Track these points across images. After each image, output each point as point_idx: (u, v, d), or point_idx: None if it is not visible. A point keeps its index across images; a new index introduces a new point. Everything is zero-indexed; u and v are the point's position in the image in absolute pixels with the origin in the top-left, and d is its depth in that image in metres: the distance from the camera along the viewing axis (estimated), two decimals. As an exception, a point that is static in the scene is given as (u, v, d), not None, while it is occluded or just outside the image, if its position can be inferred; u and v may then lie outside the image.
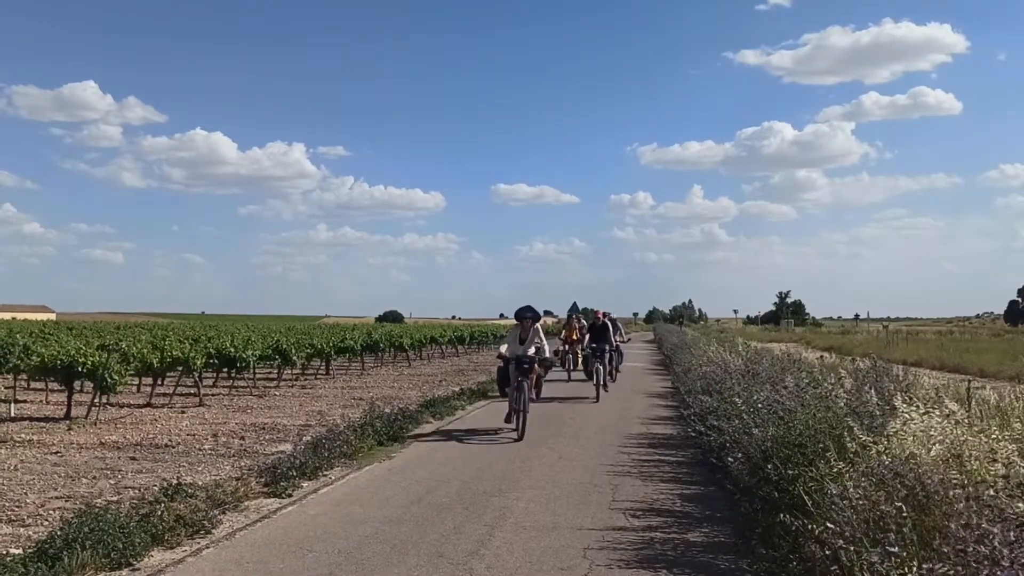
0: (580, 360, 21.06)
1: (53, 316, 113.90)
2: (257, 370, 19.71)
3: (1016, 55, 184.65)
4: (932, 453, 5.23)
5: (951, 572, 3.69)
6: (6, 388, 14.94)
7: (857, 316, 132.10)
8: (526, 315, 12.64)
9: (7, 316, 66.93)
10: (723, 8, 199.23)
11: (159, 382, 16.68)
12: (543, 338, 12.69)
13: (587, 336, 18.82)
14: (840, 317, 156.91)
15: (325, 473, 8.82)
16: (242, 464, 9.28)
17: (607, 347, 18.24)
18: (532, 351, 12.36)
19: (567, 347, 22.19)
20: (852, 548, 4.27)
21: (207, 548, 6.07)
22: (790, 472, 6.21)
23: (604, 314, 19.00)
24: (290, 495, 7.82)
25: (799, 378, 9.57)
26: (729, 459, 7.75)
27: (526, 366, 12.12)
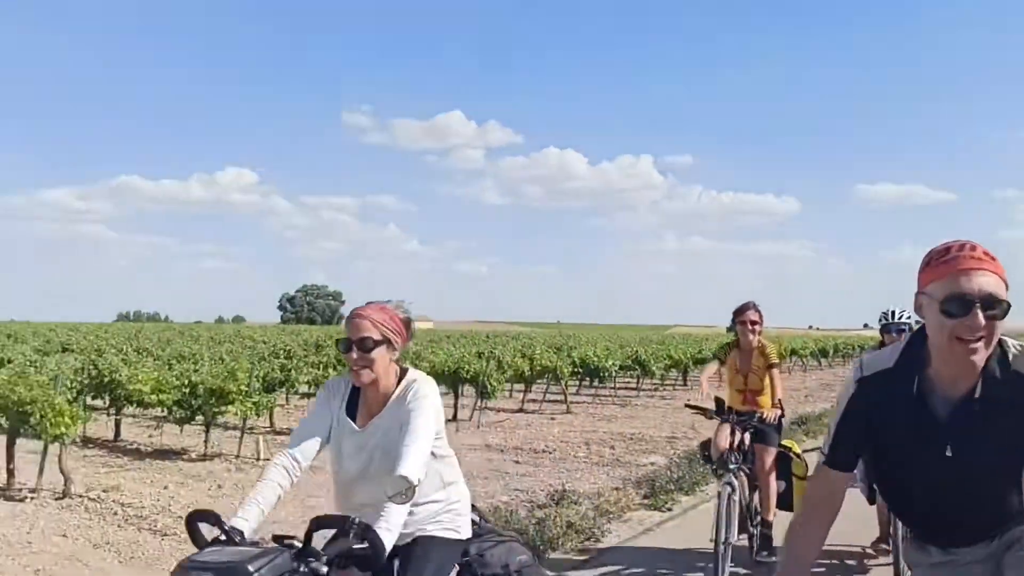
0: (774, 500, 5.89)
1: (431, 325, 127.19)
2: (616, 380, 20.13)
3: None
4: None
5: None
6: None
7: None
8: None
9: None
10: None
11: (528, 389, 17.64)
12: (417, 430, 2.76)
13: None
14: None
15: (702, 489, 8.65)
16: (616, 474, 9.41)
17: None
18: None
19: (731, 438, 5.60)
20: None
21: (598, 556, 6.17)
22: None
23: None
24: (669, 509, 7.76)
25: None
26: None
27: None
